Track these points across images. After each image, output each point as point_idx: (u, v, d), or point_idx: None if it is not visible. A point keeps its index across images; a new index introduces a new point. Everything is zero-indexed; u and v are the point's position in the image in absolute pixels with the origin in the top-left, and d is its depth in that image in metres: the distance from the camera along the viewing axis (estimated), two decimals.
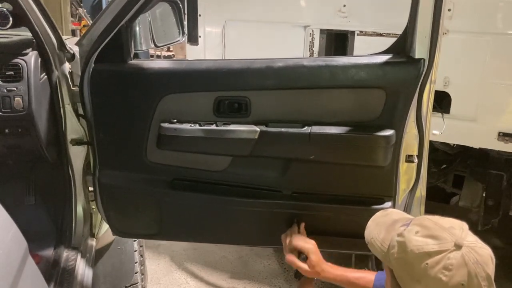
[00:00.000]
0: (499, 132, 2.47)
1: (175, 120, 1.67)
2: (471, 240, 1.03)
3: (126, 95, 1.72)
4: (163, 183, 1.78)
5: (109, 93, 1.73)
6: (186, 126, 1.66)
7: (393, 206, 1.61)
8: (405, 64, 1.50)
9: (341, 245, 1.69)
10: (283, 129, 1.60)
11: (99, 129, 1.75)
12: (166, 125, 1.67)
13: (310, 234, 1.69)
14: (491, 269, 1.03)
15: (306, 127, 1.59)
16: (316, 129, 1.58)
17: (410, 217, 1.19)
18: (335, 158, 1.62)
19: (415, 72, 1.48)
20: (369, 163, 1.59)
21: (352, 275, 1.56)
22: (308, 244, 1.57)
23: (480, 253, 1.02)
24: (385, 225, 1.20)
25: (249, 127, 1.62)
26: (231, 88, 1.64)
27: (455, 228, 1.05)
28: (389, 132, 1.53)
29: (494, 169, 2.89)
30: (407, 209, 1.69)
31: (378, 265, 2.58)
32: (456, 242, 1.01)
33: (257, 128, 1.61)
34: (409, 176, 1.64)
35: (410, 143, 1.58)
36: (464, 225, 1.07)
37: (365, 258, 2.75)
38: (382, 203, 1.62)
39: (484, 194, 3.01)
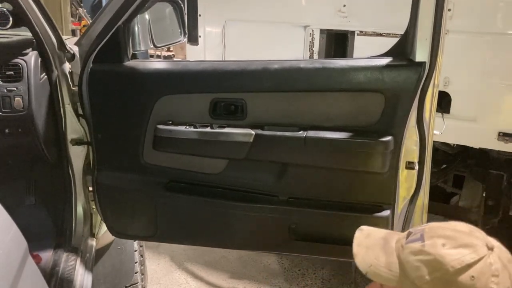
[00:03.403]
0: (499, 132, 2.47)
1: (170, 122, 1.67)
2: (491, 238, 0.98)
3: (122, 96, 1.71)
4: (159, 185, 1.77)
5: (106, 94, 1.73)
6: (181, 128, 1.65)
7: (392, 214, 1.57)
8: (405, 67, 1.47)
9: (339, 252, 1.66)
10: (278, 133, 1.57)
11: (97, 129, 1.75)
12: (161, 126, 1.67)
13: (307, 240, 1.68)
14: None
15: (301, 131, 1.56)
16: (312, 133, 1.55)
17: (393, 232, 1.09)
18: (331, 164, 1.59)
19: (415, 75, 1.44)
20: (366, 169, 1.56)
21: None
22: None
23: (507, 251, 0.97)
24: (378, 247, 1.06)
25: (244, 130, 1.61)
26: (227, 90, 1.63)
27: (474, 231, 0.99)
28: (387, 138, 1.49)
29: (494, 169, 2.89)
30: (407, 217, 1.65)
31: None
32: (487, 244, 0.95)
33: (252, 131, 1.59)
34: (410, 184, 1.60)
35: (410, 149, 1.54)
36: (473, 226, 1.02)
37: None
38: (381, 210, 1.58)
39: (484, 194, 3.01)
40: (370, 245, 1.08)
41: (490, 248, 0.94)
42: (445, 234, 0.98)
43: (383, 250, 1.04)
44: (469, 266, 0.92)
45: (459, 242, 0.95)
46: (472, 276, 0.91)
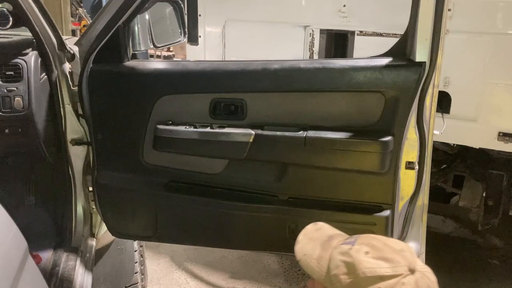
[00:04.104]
0: (499, 132, 2.47)
1: (170, 122, 1.67)
2: (421, 265, 1.00)
3: (122, 96, 1.71)
4: (159, 185, 1.78)
5: (106, 94, 1.73)
6: (181, 128, 1.65)
7: (392, 214, 1.57)
8: (405, 67, 1.47)
9: None
10: (278, 133, 1.58)
11: (97, 129, 1.75)
12: (161, 126, 1.67)
13: None
14: None
15: (301, 131, 1.56)
16: (312, 133, 1.55)
17: (344, 234, 1.12)
18: (331, 164, 1.59)
19: (415, 76, 1.44)
20: (366, 169, 1.56)
21: None
22: None
23: (431, 279, 0.98)
24: (319, 241, 1.09)
25: (243, 130, 1.61)
26: (227, 90, 1.63)
27: (406, 251, 1.01)
28: (387, 138, 1.49)
29: (494, 169, 2.89)
30: (408, 217, 1.65)
31: None
32: (409, 266, 0.96)
33: (252, 131, 1.59)
34: (410, 184, 1.60)
35: (410, 149, 1.54)
36: (412, 249, 1.03)
37: None
38: (381, 210, 1.58)
39: (484, 194, 3.01)
40: (314, 237, 1.12)
41: (411, 271, 0.96)
42: (374, 244, 1.01)
43: (322, 245, 1.08)
44: (381, 278, 0.94)
45: (382, 254, 0.98)
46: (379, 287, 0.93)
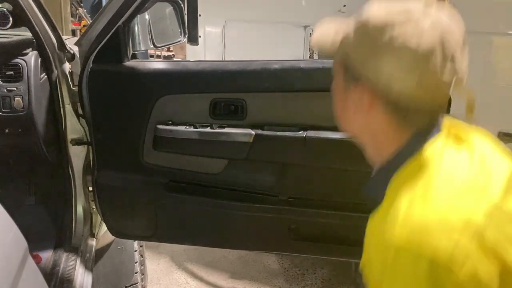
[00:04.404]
0: (499, 132, 2.47)
1: (170, 122, 1.67)
2: (443, 8, 0.87)
3: (122, 96, 1.71)
4: (159, 185, 1.77)
5: (106, 94, 1.73)
6: (181, 128, 1.65)
7: None
8: None
9: (339, 252, 1.66)
10: (278, 133, 1.58)
11: (97, 129, 1.75)
12: (161, 126, 1.67)
13: (307, 240, 1.68)
14: (462, 38, 0.89)
15: (301, 131, 1.56)
16: (312, 133, 1.56)
17: None
18: (331, 163, 1.59)
19: None
20: (367, 169, 1.56)
21: None
22: None
23: (451, 23, 0.87)
24: (334, 23, 0.97)
25: (244, 130, 1.61)
26: (227, 90, 1.63)
27: None
28: None
29: None
30: None
31: None
32: (425, 9, 0.84)
33: (252, 132, 1.60)
34: None
35: None
36: None
37: None
38: None
39: None
40: (327, 25, 1.00)
41: (428, 13, 0.84)
42: None
43: (337, 25, 0.96)
44: (393, 24, 0.82)
45: (395, 2, 0.85)
46: (392, 35, 0.82)
